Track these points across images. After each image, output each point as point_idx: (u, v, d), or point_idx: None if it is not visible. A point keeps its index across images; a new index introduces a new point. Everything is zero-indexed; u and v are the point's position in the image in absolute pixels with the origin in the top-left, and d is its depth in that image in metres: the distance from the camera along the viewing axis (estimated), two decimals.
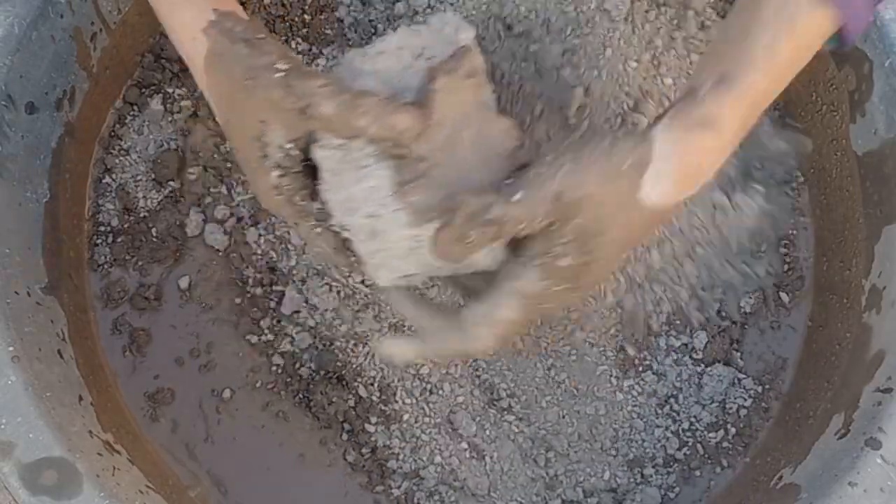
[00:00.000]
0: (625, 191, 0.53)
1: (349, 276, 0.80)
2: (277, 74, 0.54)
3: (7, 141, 0.71)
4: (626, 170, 0.53)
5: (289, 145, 0.56)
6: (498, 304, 0.56)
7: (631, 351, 0.81)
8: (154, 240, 0.82)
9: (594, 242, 0.54)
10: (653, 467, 0.79)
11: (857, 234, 0.79)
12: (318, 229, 0.59)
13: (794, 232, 0.84)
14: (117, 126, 0.84)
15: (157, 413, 0.79)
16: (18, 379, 0.64)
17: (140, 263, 0.82)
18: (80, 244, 0.81)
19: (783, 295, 0.84)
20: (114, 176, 0.84)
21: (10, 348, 0.65)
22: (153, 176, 0.83)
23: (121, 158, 0.84)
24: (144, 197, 0.83)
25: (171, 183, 0.83)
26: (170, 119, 0.85)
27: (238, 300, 0.81)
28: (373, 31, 0.78)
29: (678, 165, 0.53)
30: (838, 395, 0.75)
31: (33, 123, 0.73)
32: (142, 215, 0.83)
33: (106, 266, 0.81)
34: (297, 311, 0.81)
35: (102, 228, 0.82)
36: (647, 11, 0.78)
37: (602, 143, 0.53)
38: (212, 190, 0.83)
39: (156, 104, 0.85)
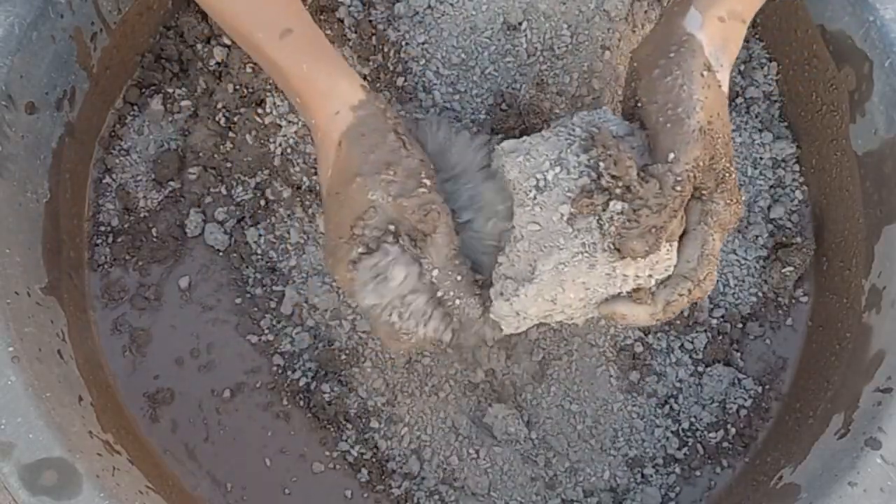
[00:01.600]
0: (719, 93, 0.61)
1: None
2: (420, 189, 0.60)
3: (7, 141, 0.71)
4: (707, 77, 0.60)
5: (379, 233, 0.61)
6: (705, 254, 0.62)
7: (631, 351, 0.81)
8: (154, 240, 0.82)
9: (730, 148, 0.61)
10: (653, 467, 0.79)
11: (857, 234, 0.79)
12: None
13: (795, 232, 0.84)
14: (117, 126, 0.84)
15: (156, 413, 0.79)
16: (18, 379, 0.64)
17: (140, 263, 0.82)
18: (80, 244, 0.81)
19: (783, 295, 0.84)
20: (114, 176, 0.84)
21: (10, 348, 0.65)
22: (153, 176, 0.83)
23: (121, 158, 0.84)
24: (144, 197, 0.83)
25: (171, 183, 0.83)
26: (170, 119, 0.85)
27: (238, 300, 0.81)
28: (373, 31, 0.78)
29: (725, 53, 0.62)
30: (838, 395, 0.75)
31: (33, 123, 0.73)
32: (142, 215, 0.83)
33: (106, 266, 0.81)
34: (298, 311, 0.81)
35: (102, 228, 0.82)
36: (646, 11, 0.78)
37: (676, 73, 0.60)
38: (212, 190, 0.83)
39: (156, 104, 0.85)
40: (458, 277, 0.62)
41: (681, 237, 0.63)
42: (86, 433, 0.68)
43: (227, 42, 0.83)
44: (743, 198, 0.84)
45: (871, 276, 0.77)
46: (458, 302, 0.62)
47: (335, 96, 0.63)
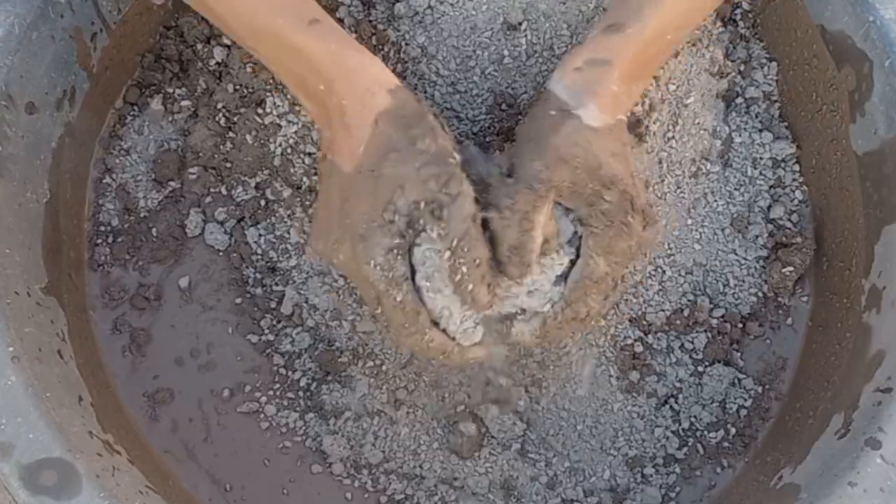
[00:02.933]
0: (578, 127, 0.63)
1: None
2: (448, 162, 0.62)
3: (7, 141, 0.71)
4: (557, 116, 0.63)
5: (412, 206, 0.62)
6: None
7: (631, 351, 0.81)
8: (154, 240, 0.82)
9: (601, 174, 0.63)
10: (653, 467, 0.79)
11: (857, 234, 0.79)
12: (400, 298, 0.64)
13: (795, 232, 0.84)
14: (117, 126, 0.84)
15: (156, 413, 0.79)
16: (18, 379, 0.64)
17: (140, 263, 0.82)
18: (80, 244, 0.81)
19: (783, 295, 0.84)
20: (114, 176, 0.84)
21: (10, 348, 0.65)
22: (153, 176, 0.83)
23: (121, 158, 0.84)
24: (144, 197, 0.83)
25: (171, 183, 0.83)
26: (170, 119, 0.85)
27: (238, 300, 0.81)
28: (373, 31, 0.77)
29: (581, 89, 0.64)
30: (838, 395, 0.75)
31: (33, 123, 0.73)
32: (142, 215, 0.83)
33: (106, 266, 0.81)
34: (297, 312, 0.81)
35: (102, 228, 0.82)
36: None
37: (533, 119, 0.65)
38: (212, 190, 0.83)
39: (156, 104, 0.85)
40: (475, 259, 0.62)
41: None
42: (86, 433, 0.68)
43: (227, 42, 0.83)
44: (743, 198, 0.84)
45: (871, 276, 0.77)
46: (469, 286, 0.63)
47: (368, 76, 0.63)
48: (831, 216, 0.83)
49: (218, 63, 0.83)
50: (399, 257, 0.63)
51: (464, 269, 0.62)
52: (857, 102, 0.78)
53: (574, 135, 0.63)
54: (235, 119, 0.82)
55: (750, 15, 0.87)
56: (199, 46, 0.84)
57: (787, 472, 0.73)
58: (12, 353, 0.65)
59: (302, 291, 0.80)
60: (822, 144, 0.83)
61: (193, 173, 0.83)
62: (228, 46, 0.83)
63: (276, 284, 0.81)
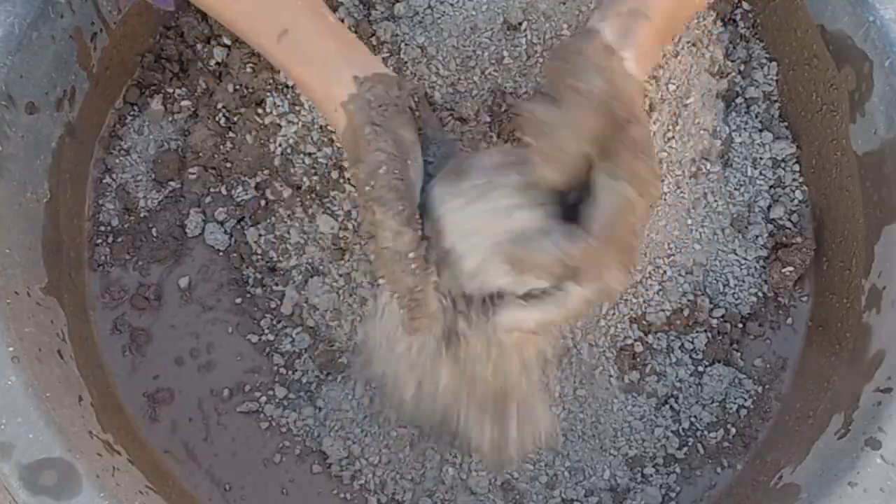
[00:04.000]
0: (621, 66, 0.62)
1: (350, 273, 0.80)
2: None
3: (7, 141, 0.71)
4: (606, 53, 0.62)
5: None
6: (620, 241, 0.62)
7: (631, 351, 0.81)
8: (154, 240, 0.82)
9: (635, 110, 0.62)
10: (653, 467, 0.79)
11: (857, 234, 0.79)
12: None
13: (795, 232, 0.84)
14: (117, 126, 0.84)
15: (156, 413, 0.79)
16: (18, 379, 0.64)
17: (140, 263, 0.82)
18: (80, 244, 0.81)
19: (783, 295, 0.84)
20: (114, 176, 0.84)
21: (10, 348, 0.65)
22: (153, 176, 0.83)
23: (121, 158, 0.84)
24: (144, 197, 0.83)
25: (171, 183, 0.83)
26: (170, 119, 0.85)
27: (238, 300, 0.81)
28: (373, 31, 0.78)
29: (630, 39, 0.63)
30: (838, 395, 0.75)
31: (33, 123, 0.73)
32: (142, 215, 0.83)
33: (106, 266, 0.81)
34: (297, 311, 0.81)
35: (102, 228, 0.82)
36: None
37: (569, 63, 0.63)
38: (212, 190, 0.83)
39: (156, 104, 0.85)
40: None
41: None
42: (86, 433, 0.68)
43: (227, 42, 0.83)
44: (743, 198, 0.84)
45: (871, 276, 0.77)
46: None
47: (330, 99, 0.64)
48: (831, 216, 0.83)
49: (218, 63, 0.83)
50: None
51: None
52: (857, 102, 0.78)
53: (619, 68, 0.63)
54: (235, 119, 0.82)
55: (750, 15, 0.87)
56: (199, 46, 0.84)
57: (787, 472, 0.73)
58: (12, 353, 0.65)
59: (302, 291, 0.80)
60: (822, 144, 0.83)
61: (193, 173, 0.83)
62: (228, 46, 0.83)
63: (276, 284, 0.81)
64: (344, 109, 0.64)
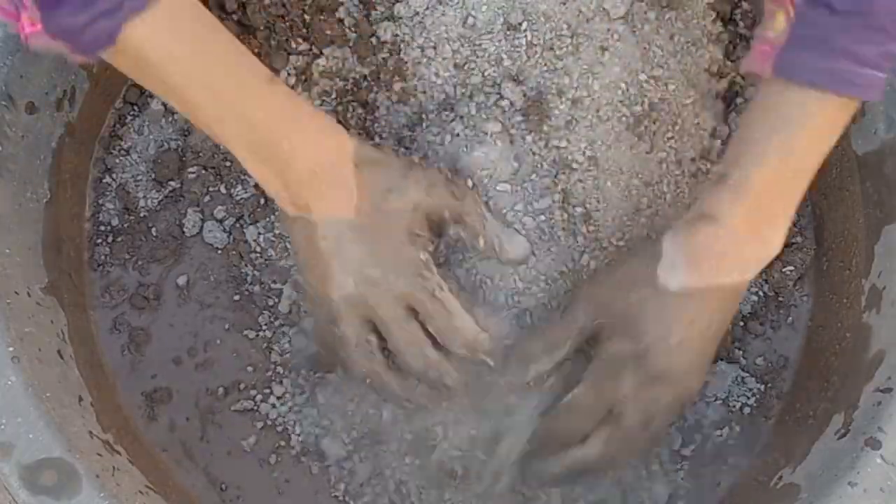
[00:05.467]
0: (645, 284, 0.63)
1: None
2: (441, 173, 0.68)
3: (7, 141, 0.71)
4: (640, 269, 0.64)
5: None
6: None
7: None
8: (154, 239, 0.82)
9: (647, 343, 0.63)
10: (658, 464, 0.79)
11: (857, 234, 0.79)
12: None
13: (795, 232, 0.84)
14: (117, 126, 0.84)
15: (155, 412, 0.79)
16: (18, 379, 0.64)
17: (139, 263, 0.82)
18: (80, 244, 0.81)
19: (783, 295, 0.84)
20: (114, 176, 0.84)
21: (10, 348, 0.65)
22: (153, 176, 0.83)
23: (121, 158, 0.84)
24: (144, 197, 0.83)
25: (171, 183, 0.83)
26: (170, 119, 0.85)
27: (236, 297, 0.81)
28: (373, 31, 0.78)
29: (686, 255, 0.62)
30: (838, 395, 0.75)
31: (33, 123, 0.73)
32: (142, 215, 0.83)
33: (106, 266, 0.81)
34: (295, 310, 0.80)
35: (102, 228, 0.82)
36: (646, 12, 0.78)
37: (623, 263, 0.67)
38: (211, 189, 0.83)
39: (156, 104, 0.85)
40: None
41: None
42: (86, 433, 0.68)
43: None
44: None
45: (871, 276, 0.76)
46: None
47: (327, 131, 0.64)
48: (831, 216, 0.82)
49: None
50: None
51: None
52: None
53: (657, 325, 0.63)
54: None
55: (750, 15, 0.87)
56: None
57: (787, 472, 0.73)
58: (12, 353, 0.65)
59: (300, 290, 0.80)
60: None
61: (193, 172, 0.83)
62: None
63: (274, 282, 0.81)
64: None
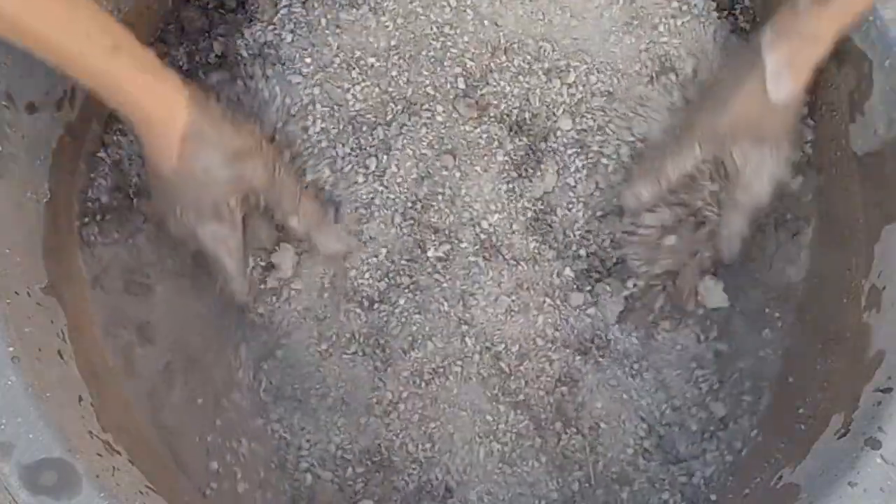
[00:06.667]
0: (758, 97, 0.72)
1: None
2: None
3: (7, 141, 0.71)
4: (746, 86, 0.72)
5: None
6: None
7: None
8: (144, 219, 0.82)
9: (759, 150, 0.73)
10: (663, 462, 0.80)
11: (857, 234, 0.79)
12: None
13: (795, 232, 0.84)
14: (117, 125, 0.84)
15: (154, 411, 0.79)
16: (18, 379, 0.64)
17: (130, 242, 0.81)
18: (80, 243, 0.81)
19: (782, 295, 0.84)
20: (114, 174, 0.83)
21: (10, 348, 0.65)
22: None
23: (121, 157, 0.84)
24: (136, 174, 0.82)
25: None
26: None
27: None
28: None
29: (791, 71, 0.71)
30: (838, 395, 0.75)
31: (33, 123, 0.73)
32: (131, 193, 0.82)
33: (104, 265, 0.81)
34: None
35: (90, 206, 0.82)
36: None
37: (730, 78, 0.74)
38: None
39: None
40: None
41: None
42: (86, 433, 0.68)
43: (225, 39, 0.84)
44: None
45: (871, 275, 0.76)
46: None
47: (166, 100, 0.69)
48: (831, 216, 0.83)
49: (217, 56, 0.84)
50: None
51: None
52: (856, 102, 0.78)
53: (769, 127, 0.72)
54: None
55: (750, 11, 0.87)
56: (200, 40, 0.85)
57: (787, 472, 0.73)
58: (12, 353, 0.65)
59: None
60: (822, 144, 0.83)
61: None
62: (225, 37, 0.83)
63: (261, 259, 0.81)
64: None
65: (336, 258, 0.80)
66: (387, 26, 0.85)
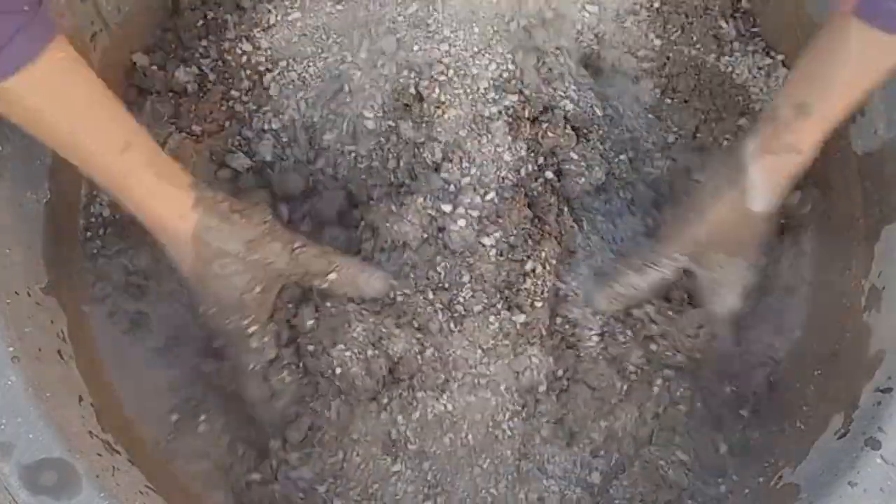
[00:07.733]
0: (737, 206, 0.72)
1: None
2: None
3: (7, 141, 0.71)
4: (733, 198, 0.71)
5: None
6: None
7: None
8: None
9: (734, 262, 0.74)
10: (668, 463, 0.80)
11: (857, 234, 0.79)
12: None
13: (796, 232, 0.84)
14: None
15: (153, 410, 0.79)
16: (18, 379, 0.64)
17: (130, 251, 0.81)
18: (79, 243, 0.81)
19: (783, 295, 0.84)
20: None
21: (10, 348, 0.65)
22: None
23: None
24: None
25: None
26: (161, 122, 0.85)
27: None
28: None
29: (772, 184, 0.71)
30: (838, 395, 0.75)
31: None
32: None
33: (102, 262, 0.81)
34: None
35: (94, 220, 0.82)
36: None
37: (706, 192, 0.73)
38: None
39: (150, 105, 0.85)
40: None
41: None
42: (86, 433, 0.68)
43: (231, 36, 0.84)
44: None
45: (870, 275, 0.77)
46: None
47: (174, 207, 0.68)
48: (831, 216, 0.83)
49: (214, 59, 0.84)
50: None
51: None
52: None
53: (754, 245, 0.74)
54: None
55: (750, 15, 0.87)
56: (196, 43, 0.85)
57: (788, 472, 0.73)
58: (12, 353, 0.65)
59: None
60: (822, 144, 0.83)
61: None
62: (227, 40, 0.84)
63: None
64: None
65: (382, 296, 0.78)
66: None
